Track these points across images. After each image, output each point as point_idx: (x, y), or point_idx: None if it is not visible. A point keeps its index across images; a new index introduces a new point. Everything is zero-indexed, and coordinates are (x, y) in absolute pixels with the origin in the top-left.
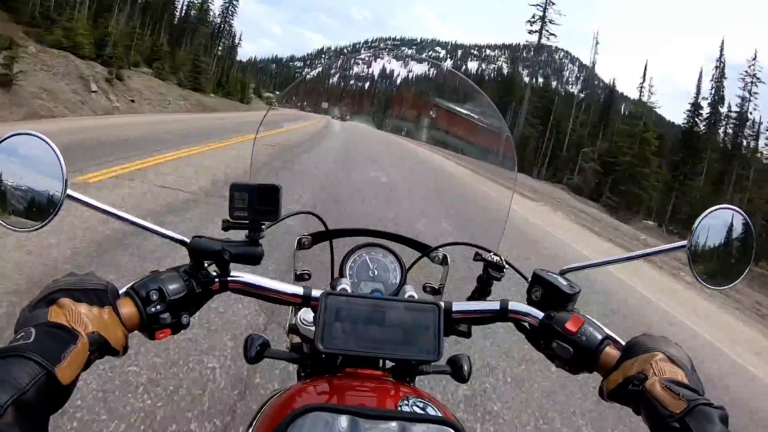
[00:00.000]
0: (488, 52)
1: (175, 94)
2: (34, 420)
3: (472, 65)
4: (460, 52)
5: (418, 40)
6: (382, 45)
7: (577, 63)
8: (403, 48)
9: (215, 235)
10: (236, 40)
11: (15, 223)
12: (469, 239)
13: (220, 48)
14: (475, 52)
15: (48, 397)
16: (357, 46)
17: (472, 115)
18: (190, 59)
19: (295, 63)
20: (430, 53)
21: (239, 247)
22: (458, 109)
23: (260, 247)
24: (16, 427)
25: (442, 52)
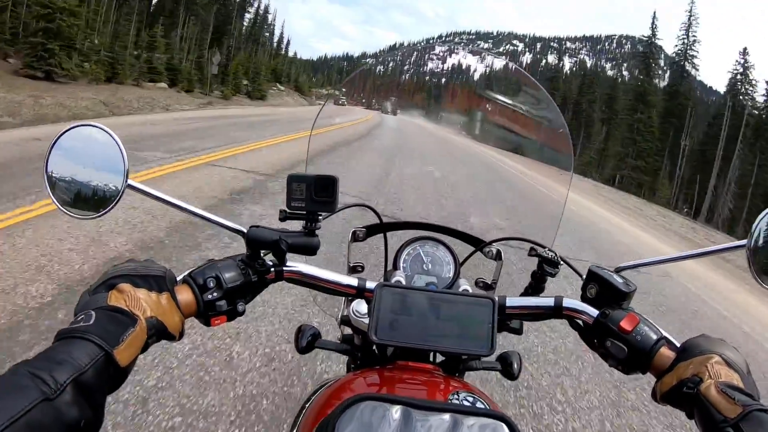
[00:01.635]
0: (568, 44)
1: None
2: (92, 399)
3: (552, 58)
4: (539, 45)
5: (494, 33)
6: (456, 39)
7: (662, 54)
8: (475, 42)
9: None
10: (260, 15)
11: (77, 212)
12: (523, 235)
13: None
14: (555, 44)
15: (106, 377)
16: (430, 41)
17: (528, 108)
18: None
19: (367, 60)
20: (507, 47)
21: (296, 238)
22: (512, 102)
23: (317, 237)
24: (74, 405)
25: (520, 46)
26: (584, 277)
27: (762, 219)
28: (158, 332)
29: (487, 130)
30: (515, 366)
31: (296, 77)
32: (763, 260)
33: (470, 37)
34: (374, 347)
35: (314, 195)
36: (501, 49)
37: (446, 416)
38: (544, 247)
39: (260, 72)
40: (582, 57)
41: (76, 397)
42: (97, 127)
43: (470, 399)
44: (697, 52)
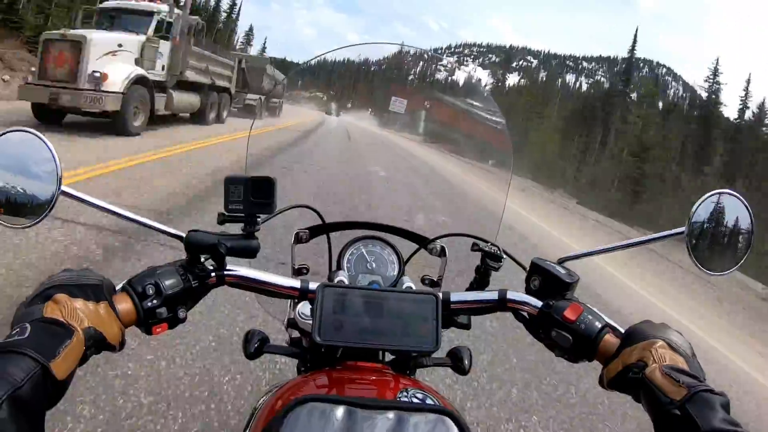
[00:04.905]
0: (584, 64)
1: None
2: (30, 415)
3: (569, 78)
4: (554, 62)
5: (507, 47)
6: (466, 51)
7: (681, 81)
8: (486, 55)
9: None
10: None
11: (8, 221)
12: (467, 230)
13: None
14: (571, 63)
15: (43, 392)
16: (438, 51)
17: (469, 107)
18: None
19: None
20: (521, 62)
21: (235, 241)
22: (454, 101)
23: (256, 240)
24: (11, 422)
25: (534, 62)
26: (528, 269)
27: (699, 206)
28: (97, 343)
29: (431, 129)
30: (466, 361)
31: None
32: (702, 246)
33: (481, 49)
34: (322, 349)
35: (252, 197)
36: (513, 64)
37: (391, 414)
38: (486, 241)
39: None
40: (599, 78)
41: (14, 414)
42: (28, 132)
43: (419, 396)
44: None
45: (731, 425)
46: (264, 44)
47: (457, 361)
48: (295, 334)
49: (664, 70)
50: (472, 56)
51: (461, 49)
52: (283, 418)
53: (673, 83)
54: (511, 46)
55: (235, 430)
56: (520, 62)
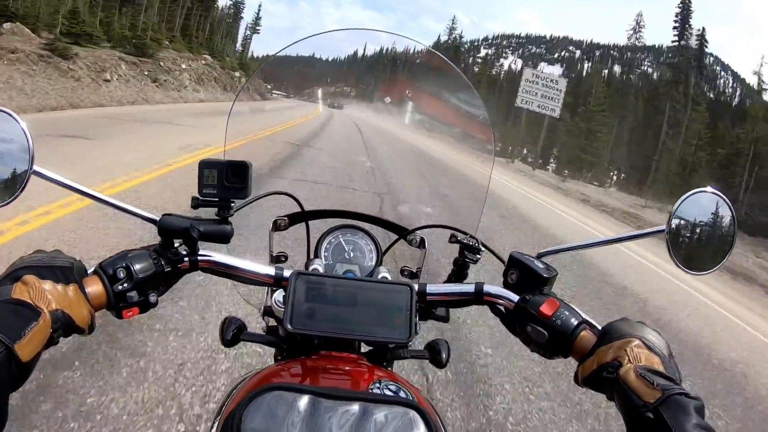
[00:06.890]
0: (628, 54)
1: None
2: None
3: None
4: (597, 53)
5: (547, 38)
6: (504, 42)
7: (730, 71)
8: (526, 46)
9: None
10: None
11: None
12: (447, 222)
13: None
14: (615, 53)
15: (7, 373)
16: (475, 44)
17: (454, 100)
18: None
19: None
20: (563, 53)
21: (208, 225)
22: (439, 93)
23: (230, 225)
24: None
25: (578, 53)
26: (506, 262)
27: (679, 205)
28: (65, 325)
29: (417, 119)
30: (443, 354)
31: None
32: (682, 245)
33: (520, 40)
34: (297, 337)
35: (226, 181)
36: (555, 56)
37: (356, 405)
38: (465, 233)
39: None
40: (645, 68)
41: None
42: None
43: (392, 387)
44: None
45: (705, 430)
46: (257, 17)
47: (434, 354)
48: (272, 322)
49: (712, 59)
50: (511, 48)
51: (498, 40)
52: (247, 405)
53: (723, 73)
54: (551, 36)
55: (210, 416)
56: (563, 53)
